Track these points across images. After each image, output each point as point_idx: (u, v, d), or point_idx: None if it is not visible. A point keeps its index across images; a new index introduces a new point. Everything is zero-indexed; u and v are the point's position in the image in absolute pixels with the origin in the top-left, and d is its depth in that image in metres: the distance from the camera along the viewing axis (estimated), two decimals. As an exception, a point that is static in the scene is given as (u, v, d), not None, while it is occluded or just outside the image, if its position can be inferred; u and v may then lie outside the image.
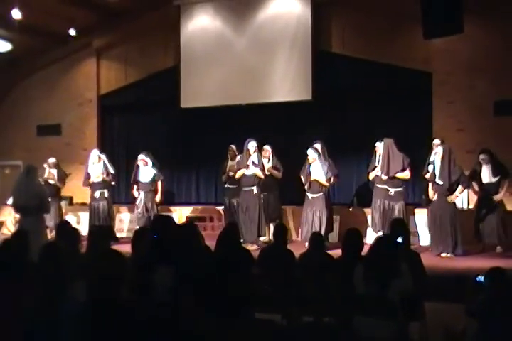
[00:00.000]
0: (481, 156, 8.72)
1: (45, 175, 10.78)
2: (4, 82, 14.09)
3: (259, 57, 11.76)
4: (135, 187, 10.46)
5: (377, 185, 9.10)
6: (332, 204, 9.82)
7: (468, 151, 9.66)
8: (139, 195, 10.35)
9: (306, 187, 9.28)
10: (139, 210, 10.27)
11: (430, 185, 8.61)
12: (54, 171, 11.12)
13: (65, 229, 5.36)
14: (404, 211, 8.88)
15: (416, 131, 10.74)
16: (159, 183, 10.53)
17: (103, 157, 10.66)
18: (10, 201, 11.52)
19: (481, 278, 4.95)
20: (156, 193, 10.48)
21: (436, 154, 8.53)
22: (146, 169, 10.35)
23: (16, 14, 10.39)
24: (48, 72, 13.83)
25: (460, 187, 8.43)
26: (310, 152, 9.20)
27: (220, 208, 10.70)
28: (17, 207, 8.02)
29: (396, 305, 3.96)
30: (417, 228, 9.36)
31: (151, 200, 10.33)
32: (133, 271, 3.33)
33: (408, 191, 9.79)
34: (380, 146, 9.14)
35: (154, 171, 10.37)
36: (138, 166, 10.39)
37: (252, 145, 9.47)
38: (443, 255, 8.29)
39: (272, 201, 9.98)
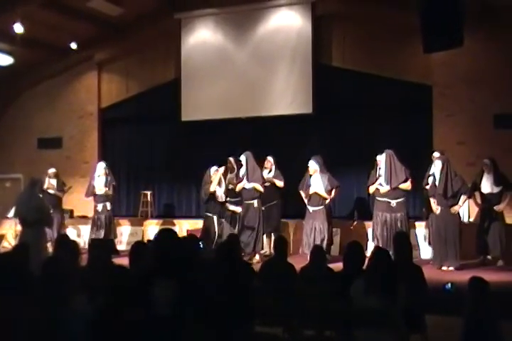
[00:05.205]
0: (485, 161, 8.72)
1: (45, 186, 10.78)
2: (5, 95, 14.14)
3: (260, 71, 11.82)
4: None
5: (378, 198, 8.99)
6: (333, 217, 9.78)
7: (468, 164, 9.66)
8: None
9: (306, 201, 9.26)
10: None
11: (431, 199, 8.56)
12: (53, 181, 11.17)
13: (64, 242, 5.35)
14: (407, 222, 8.83)
15: (416, 144, 10.74)
16: None
17: (107, 169, 10.69)
18: (11, 214, 11.49)
19: (449, 286, 4.97)
20: None
21: (436, 167, 8.53)
22: None
23: (18, 28, 10.46)
24: (49, 85, 13.89)
25: (463, 197, 8.41)
26: (311, 163, 9.19)
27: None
28: (19, 219, 8.00)
29: (397, 318, 3.94)
30: (418, 241, 9.33)
31: None
32: (132, 284, 3.30)
33: (409, 204, 9.74)
34: (381, 159, 9.07)
35: None
36: None
37: (242, 157, 9.44)
38: (444, 268, 8.25)
39: (273, 212, 9.96)
